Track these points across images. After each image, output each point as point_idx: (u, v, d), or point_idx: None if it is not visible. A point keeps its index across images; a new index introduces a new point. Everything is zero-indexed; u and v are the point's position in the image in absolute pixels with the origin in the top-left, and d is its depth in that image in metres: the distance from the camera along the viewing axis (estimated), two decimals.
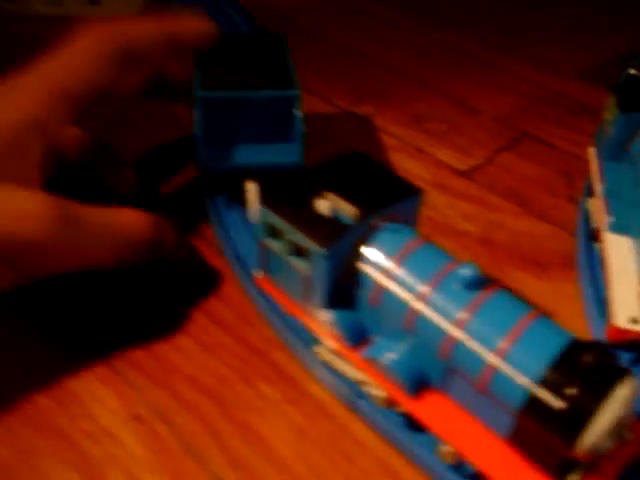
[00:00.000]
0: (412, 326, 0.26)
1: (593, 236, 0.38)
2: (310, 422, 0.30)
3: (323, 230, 0.27)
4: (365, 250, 0.28)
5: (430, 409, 0.27)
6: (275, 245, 0.29)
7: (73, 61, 0.33)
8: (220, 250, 0.38)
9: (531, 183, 0.44)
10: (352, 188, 0.28)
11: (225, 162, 0.37)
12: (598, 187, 0.38)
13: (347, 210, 0.27)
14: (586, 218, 0.39)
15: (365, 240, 0.28)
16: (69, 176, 0.39)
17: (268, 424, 0.30)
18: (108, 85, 0.34)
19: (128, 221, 0.33)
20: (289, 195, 0.29)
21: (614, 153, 0.38)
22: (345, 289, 0.28)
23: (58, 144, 0.38)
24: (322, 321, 0.29)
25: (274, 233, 0.29)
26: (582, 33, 0.64)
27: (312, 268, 0.27)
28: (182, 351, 0.33)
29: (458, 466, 0.27)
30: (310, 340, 0.31)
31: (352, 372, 0.30)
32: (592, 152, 0.41)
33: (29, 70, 0.33)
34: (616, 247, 0.34)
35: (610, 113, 0.39)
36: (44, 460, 0.28)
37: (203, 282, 0.37)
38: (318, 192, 0.28)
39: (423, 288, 0.26)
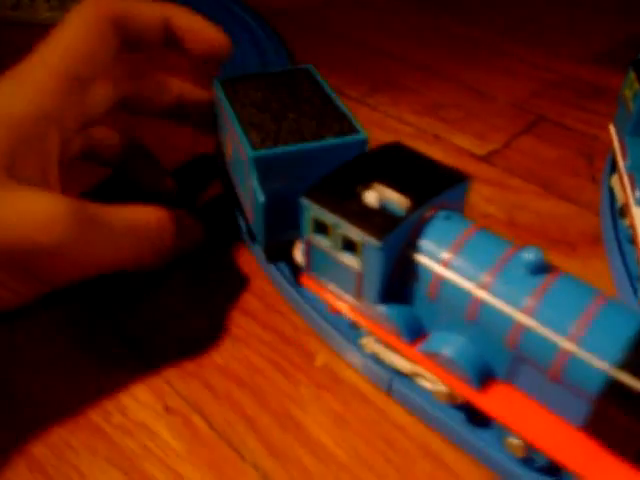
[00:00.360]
0: (475, 317, 0.25)
1: (619, 213, 0.37)
2: (347, 408, 0.30)
3: (375, 222, 0.26)
4: (420, 241, 0.26)
5: (498, 401, 0.26)
6: (322, 241, 0.28)
7: (75, 40, 0.31)
8: (248, 244, 0.38)
9: (551, 165, 0.43)
10: (399, 178, 0.27)
11: (292, 230, 0.31)
12: (621, 163, 0.37)
13: (398, 200, 0.26)
14: (610, 196, 0.39)
15: (418, 230, 0.27)
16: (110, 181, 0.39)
17: (304, 411, 0.29)
18: (110, 60, 0.33)
19: (149, 219, 0.32)
20: (334, 188, 0.28)
21: (636, 129, 0.38)
22: (399, 283, 0.27)
23: (88, 143, 0.37)
24: (376, 317, 0.28)
25: (320, 228, 0.27)
26: (595, 18, 0.64)
27: (365, 262, 0.26)
28: (212, 342, 0.32)
29: (528, 459, 0.26)
30: (346, 329, 0.31)
31: (404, 364, 0.29)
32: (613, 130, 0.40)
33: (34, 59, 0.31)
34: None
35: (630, 89, 0.39)
36: (79, 456, 0.28)
37: (231, 275, 0.36)
38: (365, 183, 0.27)
39: (485, 276, 0.25)
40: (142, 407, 0.30)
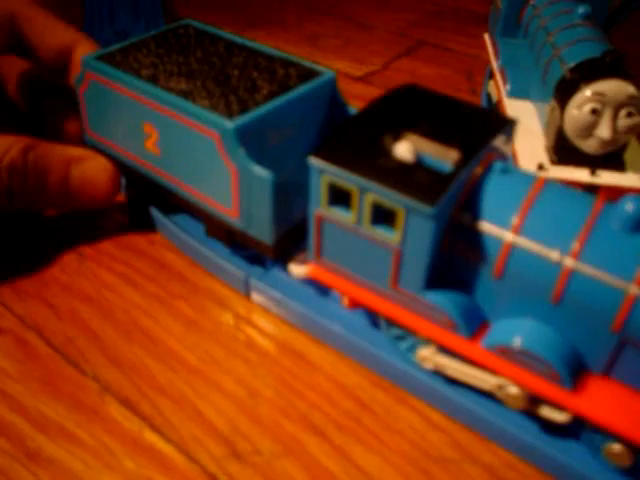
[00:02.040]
0: (563, 295, 0.19)
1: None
2: (202, 314, 0.27)
3: (418, 181, 0.19)
4: (476, 203, 0.20)
5: (599, 401, 0.20)
6: (341, 214, 0.21)
7: None
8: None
9: (432, 82, 0.42)
10: (432, 125, 0.21)
11: (297, 213, 0.25)
12: (494, 63, 0.36)
13: (441, 153, 0.20)
14: (488, 101, 0.38)
15: (472, 190, 0.20)
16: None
17: (154, 321, 0.26)
18: None
19: None
20: (352, 143, 0.21)
21: (507, 28, 0.37)
22: (446, 261, 0.21)
23: None
24: (420, 309, 0.21)
25: (338, 198, 0.21)
26: None
27: (407, 236, 0.20)
28: (57, 263, 0.29)
29: (634, 468, 0.21)
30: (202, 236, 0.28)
31: (475, 374, 0.22)
32: (487, 37, 0.39)
33: None
34: (516, 110, 0.33)
35: None
36: None
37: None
38: (392, 134, 0.21)
39: (573, 241, 0.19)
40: None
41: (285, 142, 0.26)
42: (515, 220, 0.20)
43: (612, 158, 0.28)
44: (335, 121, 0.28)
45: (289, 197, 0.24)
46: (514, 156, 0.30)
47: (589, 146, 0.28)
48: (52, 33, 0.31)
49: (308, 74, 0.27)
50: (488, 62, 0.39)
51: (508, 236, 0.20)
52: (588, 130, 0.28)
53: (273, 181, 0.23)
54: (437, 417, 0.23)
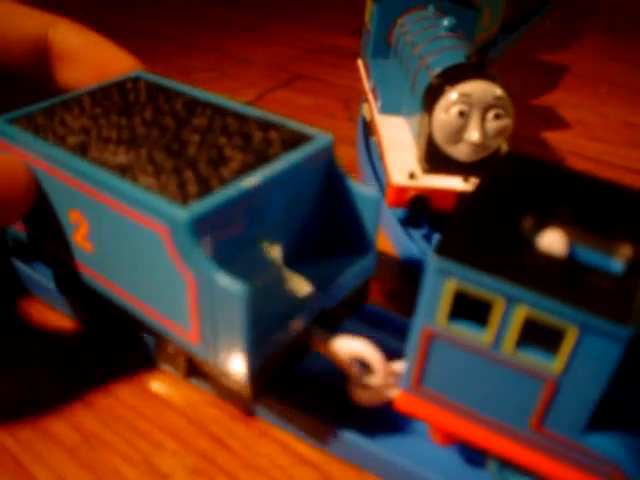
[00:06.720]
0: None
1: (369, 132, 0.35)
2: None
3: (595, 288, 0.14)
4: None
5: None
6: (467, 333, 0.16)
7: None
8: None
9: (308, 110, 0.41)
10: (574, 208, 0.16)
11: (289, 327, 0.19)
12: (367, 84, 0.35)
13: (608, 246, 0.15)
14: (364, 124, 0.37)
15: None
16: None
17: None
18: None
19: None
20: (480, 234, 0.16)
21: (377, 50, 0.36)
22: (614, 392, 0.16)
23: None
24: (576, 456, 0.16)
25: (466, 310, 0.16)
26: None
27: (574, 363, 0.15)
28: None
29: None
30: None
31: None
32: (360, 62, 0.38)
33: None
34: (388, 125, 0.31)
35: (368, 13, 0.37)
36: None
37: None
38: (531, 221, 0.16)
39: None
40: None
41: (264, 235, 0.19)
42: None
43: (485, 165, 0.27)
44: (334, 201, 0.21)
45: (274, 310, 0.18)
46: (385, 169, 0.28)
47: (460, 152, 0.27)
48: (13, 23, 0.24)
49: (295, 138, 0.20)
50: (365, 91, 0.39)
51: None
52: (457, 135, 0.26)
53: (248, 296, 0.16)
54: (304, 450, 0.20)
